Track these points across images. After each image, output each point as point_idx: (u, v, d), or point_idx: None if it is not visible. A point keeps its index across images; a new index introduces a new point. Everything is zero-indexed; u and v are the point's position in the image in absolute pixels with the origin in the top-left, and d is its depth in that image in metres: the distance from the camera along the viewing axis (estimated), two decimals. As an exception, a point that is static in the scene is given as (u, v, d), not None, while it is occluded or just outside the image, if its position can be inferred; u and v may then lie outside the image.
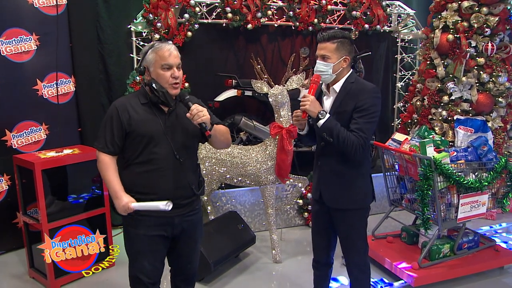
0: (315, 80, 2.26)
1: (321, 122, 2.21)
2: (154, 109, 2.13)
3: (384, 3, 4.76)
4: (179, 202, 2.16)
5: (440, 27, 4.17)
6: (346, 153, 2.24)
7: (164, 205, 2.01)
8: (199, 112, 2.05)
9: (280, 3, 4.41)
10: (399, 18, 5.09)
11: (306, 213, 4.23)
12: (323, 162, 2.40)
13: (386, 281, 3.25)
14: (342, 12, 4.68)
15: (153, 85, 2.08)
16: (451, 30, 4.08)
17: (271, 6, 4.36)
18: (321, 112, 2.22)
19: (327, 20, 4.62)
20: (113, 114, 2.10)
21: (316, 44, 2.35)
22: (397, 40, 5.21)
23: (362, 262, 2.48)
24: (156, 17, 3.90)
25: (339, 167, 2.34)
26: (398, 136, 3.43)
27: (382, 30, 4.89)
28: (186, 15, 4.03)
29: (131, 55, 4.11)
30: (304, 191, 4.14)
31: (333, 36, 2.23)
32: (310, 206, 4.11)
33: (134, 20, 4.05)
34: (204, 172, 3.68)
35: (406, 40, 5.23)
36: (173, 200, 2.12)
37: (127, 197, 2.06)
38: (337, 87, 2.30)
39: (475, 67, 4.04)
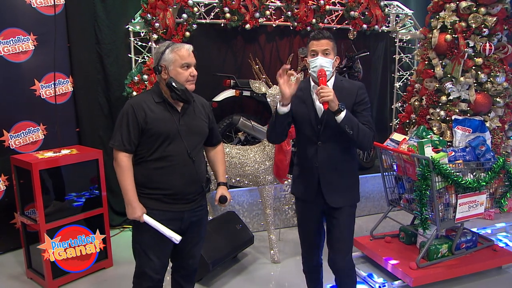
0: (323, 74, 2.22)
1: (343, 114, 2.17)
2: (169, 108, 2.18)
3: (382, 3, 4.77)
4: (190, 197, 2.23)
5: (438, 27, 4.17)
6: (362, 145, 2.26)
7: (175, 238, 2.12)
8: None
9: (278, 3, 4.41)
10: (397, 18, 5.10)
11: (304, 213, 4.23)
12: (322, 161, 2.34)
13: (384, 281, 3.25)
14: (340, 12, 4.68)
15: (173, 83, 2.13)
16: (449, 30, 4.08)
17: (269, 6, 4.36)
18: (341, 104, 2.18)
19: (325, 20, 4.63)
20: (129, 112, 2.14)
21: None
22: (395, 40, 5.22)
23: (350, 259, 2.45)
24: (154, 17, 3.90)
25: (339, 164, 2.34)
26: (396, 136, 3.43)
27: (380, 30, 4.89)
28: (184, 15, 4.03)
29: (129, 55, 4.11)
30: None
31: (330, 35, 2.30)
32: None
33: (132, 20, 4.05)
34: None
35: (404, 40, 5.24)
36: (184, 195, 2.21)
37: (141, 209, 2.15)
38: (330, 84, 2.30)
39: (473, 67, 4.04)
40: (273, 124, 2.32)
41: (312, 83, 2.34)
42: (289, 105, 2.24)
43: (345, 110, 2.17)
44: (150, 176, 2.17)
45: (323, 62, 2.24)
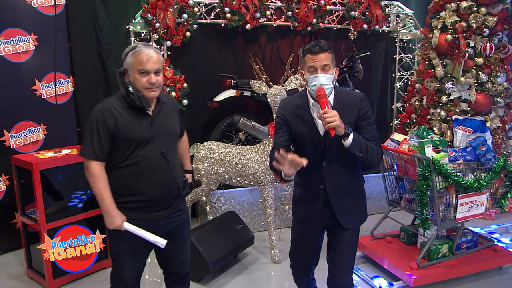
0: (323, 94, 2.03)
1: (351, 138, 2.00)
2: (139, 112, 2.10)
3: (382, 3, 4.76)
4: (166, 203, 2.16)
5: (439, 27, 4.17)
6: (371, 164, 2.12)
7: (160, 242, 2.04)
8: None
9: (279, 3, 4.40)
10: (397, 18, 5.10)
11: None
12: (329, 183, 2.16)
13: (385, 281, 3.25)
14: (340, 12, 4.68)
15: (130, 88, 2.05)
16: (450, 30, 4.08)
17: (270, 6, 4.35)
18: (347, 126, 1.99)
19: (326, 20, 4.62)
20: (99, 119, 2.05)
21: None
22: (396, 40, 5.22)
23: (351, 279, 2.34)
24: (154, 17, 3.90)
25: (348, 184, 2.20)
26: (397, 136, 3.43)
27: (380, 30, 4.89)
28: (185, 15, 4.02)
29: (130, 55, 4.10)
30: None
31: (328, 46, 2.09)
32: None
33: (133, 20, 4.05)
34: (202, 172, 3.68)
35: (404, 40, 5.24)
36: (160, 201, 2.13)
37: (120, 217, 2.07)
38: (330, 100, 2.12)
39: (474, 67, 4.03)
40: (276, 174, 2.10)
41: (312, 101, 2.14)
42: (295, 173, 2.00)
43: (352, 133, 2.00)
44: (123, 183, 2.09)
45: (323, 80, 2.05)
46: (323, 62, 2.05)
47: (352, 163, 2.19)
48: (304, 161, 1.90)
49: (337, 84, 2.23)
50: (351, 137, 2.00)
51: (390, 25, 5.07)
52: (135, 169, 2.07)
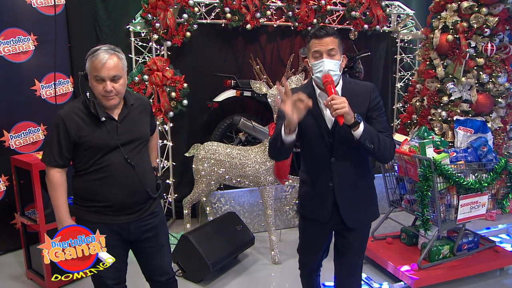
0: (329, 80, 1.89)
1: (361, 127, 1.86)
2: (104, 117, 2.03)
3: (383, 3, 4.75)
4: (134, 208, 2.11)
5: (440, 27, 4.16)
6: (384, 157, 1.98)
7: (104, 257, 1.98)
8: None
9: (279, 3, 4.40)
10: (398, 19, 5.09)
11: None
12: (338, 180, 2.05)
13: (386, 282, 3.24)
14: (341, 12, 4.67)
15: (87, 93, 1.99)
16: (451, 31, 4.07)
17: (270, 6, 4.35)
18: (357, 115, 1.85)
19: (326, 21, 4.62)
20: (60, 125, 1.99)
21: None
22: (397, 40, 5.21)
23: (359, 280, 2.29)
24: (154, 17, 3.89)
25: (358, 181, 2.08)
26: (398, 136, 3.42)
27: (381, 31, 4.88)
28: (185, 15, 4.02)
29: (130, 55, 4.10)
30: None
31: (335, 31, 1.96)
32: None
33: (133, 20, 4.04)
34: (203, 172, 3.67)
35: (405, 40, 5.23)
36: (126, 206, 2.08)
37: None
38: (338, 90, 1.99)
39: (475, 68, 4.02)
40: (277, 149, 1.98)
41: (318, 90, 2.02)
42: (296, 131, 1.89)
43: (362, 122, 1.86)
44: (88, 189, 2.05)
45: (330, 66, 1.91)
46: (328, 47, 1.92)
47: (363, 159, 2.09)
48: (309, 101, 1.77)
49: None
50: (361, 126, 1.86)
51: (391, 25, 5.06)
52: (99, 174, 2.03)
